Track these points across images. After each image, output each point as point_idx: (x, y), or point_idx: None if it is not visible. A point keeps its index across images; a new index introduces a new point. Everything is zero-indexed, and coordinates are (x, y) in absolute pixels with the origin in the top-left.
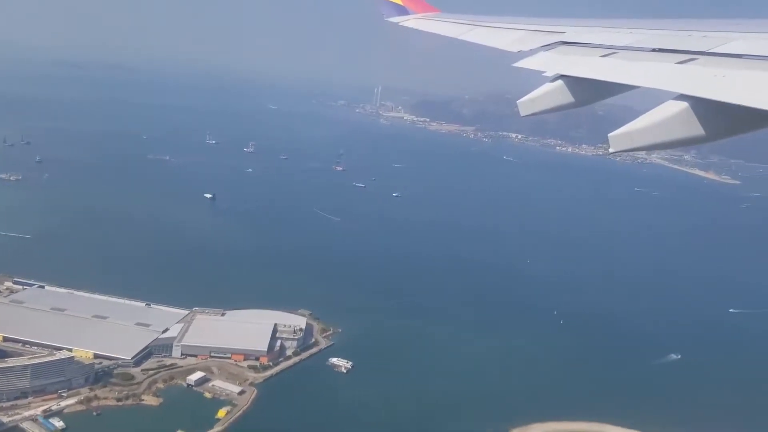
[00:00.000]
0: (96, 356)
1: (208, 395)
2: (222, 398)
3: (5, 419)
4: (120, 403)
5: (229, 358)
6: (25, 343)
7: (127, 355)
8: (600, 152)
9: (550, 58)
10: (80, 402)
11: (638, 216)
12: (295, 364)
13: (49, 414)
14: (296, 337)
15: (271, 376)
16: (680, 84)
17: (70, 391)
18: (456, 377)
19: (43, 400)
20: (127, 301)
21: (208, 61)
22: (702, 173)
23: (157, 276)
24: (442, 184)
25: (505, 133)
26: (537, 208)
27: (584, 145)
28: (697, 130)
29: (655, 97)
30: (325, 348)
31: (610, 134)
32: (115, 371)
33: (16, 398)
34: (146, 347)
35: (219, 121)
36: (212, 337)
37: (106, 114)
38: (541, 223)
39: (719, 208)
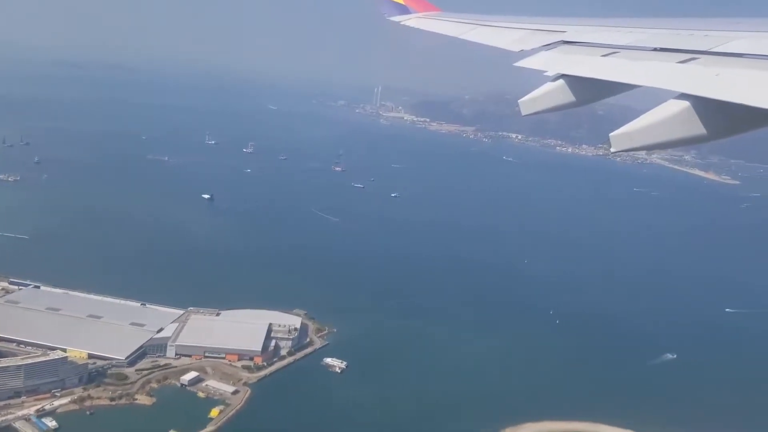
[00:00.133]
0: (90, 356)
1: (201, 395)
2: (215, 398)
3: None
4: (113, 403)
5: (224, 358)
6: (19, 343)
7: (121, 355)
8: (600, 152)
9: (552, 58)
10: (73, 402)
11: (637, 216)
12: (289, 364)
13: (42, 414)
14: (291, 337)
15: (265, 376)
16: (681, 83)
17: (64, 391)
18: (450, 377)
19: (36, 400)
20: (123, 301)
21: (208, 61)
22: (702, 173)
23: (153, 276)
24: (442, 185)
25: (505, 133)
26: (536, 208)
27: (584, 145)
28: (698, 129)
29: (656, 97)
30: (319, 348)
31: (611, 134)
32: (109, 371)
33: (9, 398)
34: (140, 347)
35: (218, 122)
36: (206, 337)
37: (105, 114)
38: (540, 223)
39: (719, 208)
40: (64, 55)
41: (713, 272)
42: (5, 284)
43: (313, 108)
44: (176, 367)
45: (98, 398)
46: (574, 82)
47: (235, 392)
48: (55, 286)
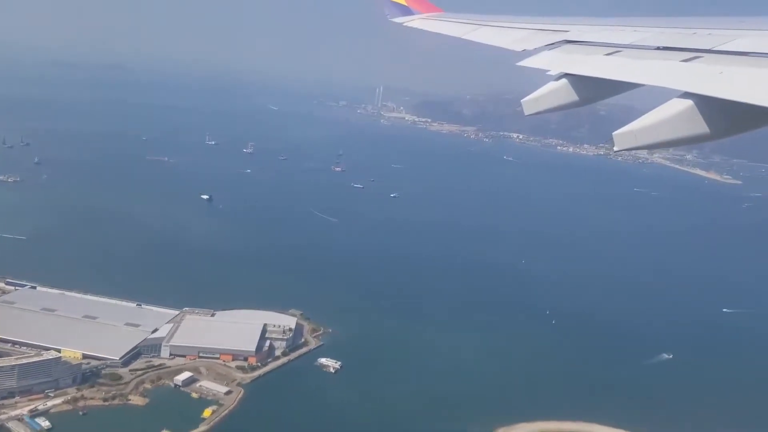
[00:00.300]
0: (84, 356)
1: (195, 395)
2: (209, 398)
3: None
4: (106, 403)
5: (218, 358)
6: (14, 343)
7: (115, 356)
8: (601, 152)
9: (555, 57)
10: (67, 402)
11: (638, 216)
12: (283, 365)
13: (35, 414)
14: (285, 338)
15: (259, 377)
16: (685, 82)
17: (57, 391)
18: (444, 377)
19: (30, 400)
20: (118, 302)
21: (208, 62)
22: (703, 173)
23: (150, 277)
24: (441, 185)
25: (506, 133)
26: (536, 207)
27: (585, 145)
28: (701, 127)
29: (658, 96)
30: (314, 348)
31: (614, 132)
32: (103, 371)
33: (3, 398)
34: (135, 347)
35: (218, 122)
36: (201, 337)
37: (105, 115)
38: (540, 222)
39: (720, 208)
40: (64, 56)
41: (712, 272)
42: (2, 285)
43: (314, 108)
44: (170, 367)
45: (91, 398)
46: (577, 81)
47: (228, 392)
48: (51, 286)
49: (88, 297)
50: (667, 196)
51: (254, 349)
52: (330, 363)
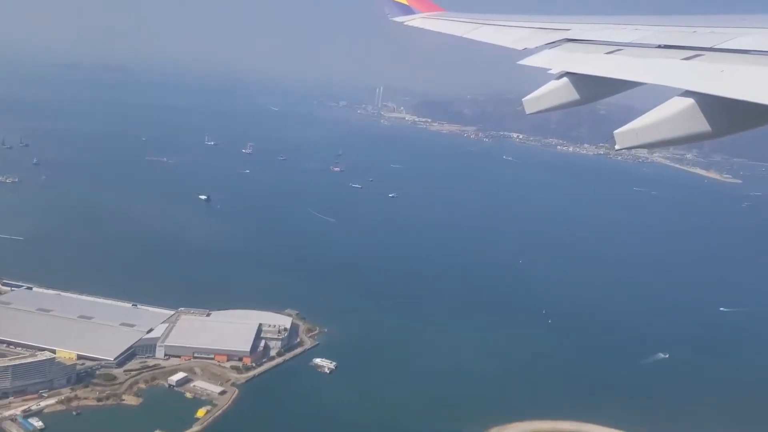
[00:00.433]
0: (79, 357)
1: (189, 395)
2: (203, 398)
3: None
4: (100, 404)
5: (212, 358)
6: (9, 343)
7: (110, 356)
8: (601, 151)
9: (556, 56)
10: (60, 402)
11: (637, 216)
12: (278, 365)
13: (28, 414)
14: (280, 338)
15: (254, 377)
16: (686, 80)
17: (51, 392)
18: (440, 377)
19: (24, 401)
20: (114, 302)
21: (208, 62)
22: (703, 172)
23: (146, 277)
24: (441, 185)
25: (506, 133)
26: (536, 207)
27: (585, 145)
28: (703, 126)
29: (658, 96)
30: (309, 348)
31: (615, 131)
32: (98, 372)
33: None
34: (130, 348)
35: (218, 122)
36: (196, 337)
37: (105, 115)
38: (540, 222)
39: (719, 208)
40: (64, 56)
41: (711, 272)
42: None
43: (314, 108)
44: (165, 367)
45: (85, 399)
46: (579, 80)
47: (223, 393)
48: (48, 287)
49: (85, 297)
50: (666, 196)
51: (249, 350)
52: (325, 363)
